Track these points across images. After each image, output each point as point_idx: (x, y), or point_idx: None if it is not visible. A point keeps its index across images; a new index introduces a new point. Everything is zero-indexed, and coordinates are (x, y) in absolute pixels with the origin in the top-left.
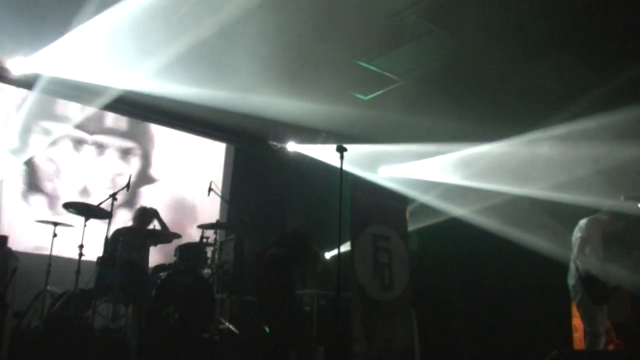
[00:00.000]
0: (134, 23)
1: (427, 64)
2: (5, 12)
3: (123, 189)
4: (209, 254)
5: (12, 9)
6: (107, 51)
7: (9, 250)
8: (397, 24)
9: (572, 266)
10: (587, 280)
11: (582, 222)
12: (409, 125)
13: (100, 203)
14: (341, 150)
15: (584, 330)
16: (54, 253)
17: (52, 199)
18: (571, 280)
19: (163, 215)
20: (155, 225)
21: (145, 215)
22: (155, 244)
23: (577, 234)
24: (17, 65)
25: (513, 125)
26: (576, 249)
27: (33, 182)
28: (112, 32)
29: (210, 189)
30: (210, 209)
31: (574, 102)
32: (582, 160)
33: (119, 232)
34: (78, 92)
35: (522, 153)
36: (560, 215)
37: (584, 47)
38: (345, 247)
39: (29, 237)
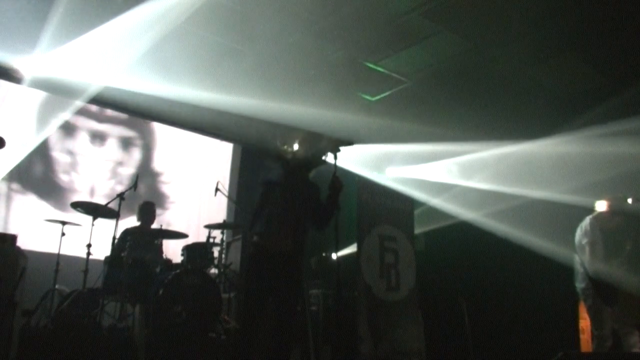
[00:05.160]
0: (144, 29)
1: (434, 65)
2: (18, 13)
3: (130, 188)
4: (216, 254)
5: (23, 10)
6: (117, 55)
7: (18, 249)
8: (404, 25)
9: (580, 269)
10: (599, 282)
11: (585, 224)
12: (417, 126)
13: (108, 203)
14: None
15: (592, 333)
16: (62, 252)
17: (60, 198)
18: (581, 284)
19: (170, 214)
20: (162, 225)
21: (149, 209)
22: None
23: (582, 239)
24: (27, 66)
25: (522, 128)
26: (587, 254)
27: (41, 182)
28: (124, 37)
29: (217, 189)
30: (217, 209)
31: (584, 105)
32: (588, 164)
33: (127, 232)
34: (87, 94)
35: (530, 156)
36: (570, 217)
37: (596, 48)
38: (353, 248)
39: (37, 236)
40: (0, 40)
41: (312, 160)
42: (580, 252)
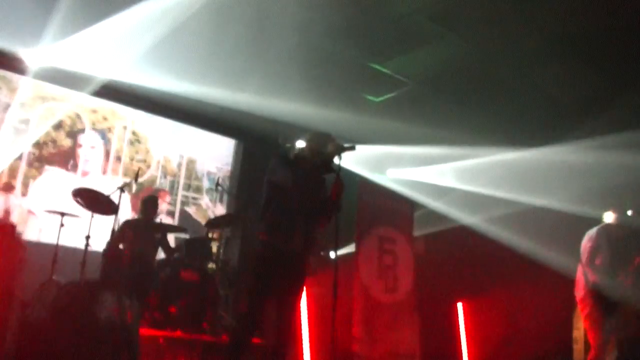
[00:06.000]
0: (150, 24)
1: (439, 68)
2: (24, 3)
3: (131, 182)
4: (215, 250)
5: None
6: (123, 48)
7: (16, 239)
8: (409, 27)
9: (580, 278)
10: (597, 291)
11: (592, 231)
12: (420, 128)
13: (108, 195)
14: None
15: (585, 344)
16: (61, 243)
17: (59, 189)
18: (580, 292)
19: (170, 210)
20: (162, 218)
21: (151, 203)
22: (161, 241)
23: (587, 244)
24: (33, 57)
25: (525, 133)
26: (586, 259)
27: (41, 175)
28: (129, 30)
29: (217, 185)
30: (217, 205)
31: (588, 110)
32: (590, 172)
33: (128, 224)
34: (92, 86)
35: (532, 162)
36: (570, 227)
37: (601, 54)
38: (351, 248)
39: (36, 227)
40: (6, 30)
41: (319, 163)
42: (583, 258)
